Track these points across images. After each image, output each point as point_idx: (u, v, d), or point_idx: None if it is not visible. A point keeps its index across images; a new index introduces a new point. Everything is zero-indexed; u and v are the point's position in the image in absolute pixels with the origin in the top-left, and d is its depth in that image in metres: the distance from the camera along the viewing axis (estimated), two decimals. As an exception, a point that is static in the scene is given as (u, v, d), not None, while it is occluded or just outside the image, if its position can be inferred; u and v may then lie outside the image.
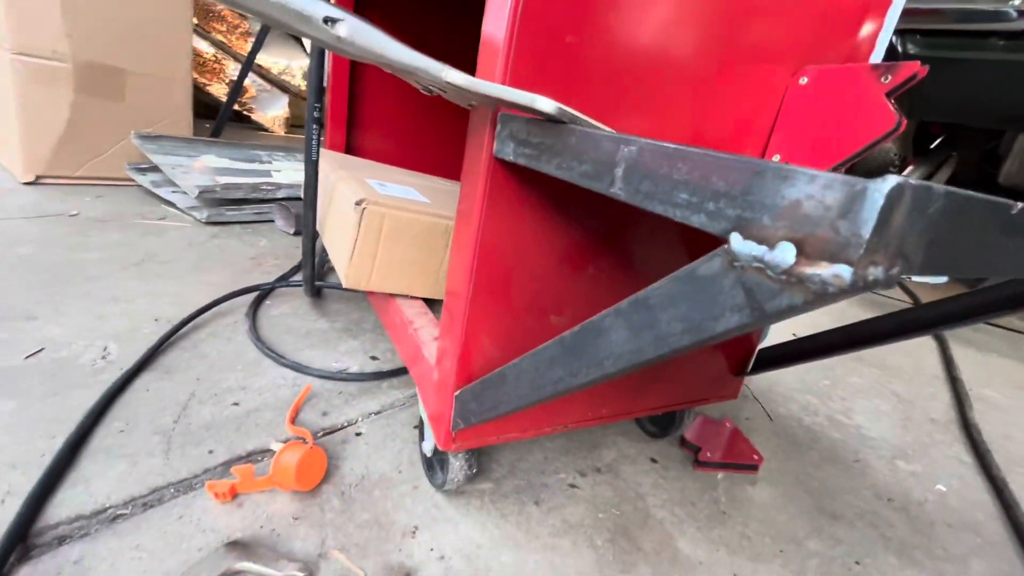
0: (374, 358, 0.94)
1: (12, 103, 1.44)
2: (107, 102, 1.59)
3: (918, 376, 1.40)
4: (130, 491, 0.56)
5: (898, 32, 2.01)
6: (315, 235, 0.98)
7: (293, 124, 4.11)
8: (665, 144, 0.26)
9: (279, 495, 0.59)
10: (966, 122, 2.02)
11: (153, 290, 1.03)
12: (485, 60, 0.44)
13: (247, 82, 3.65)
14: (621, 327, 0.29)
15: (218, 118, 2.01)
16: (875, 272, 0.19)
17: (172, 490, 0.58)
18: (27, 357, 0.75)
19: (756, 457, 0.82)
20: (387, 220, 0.66)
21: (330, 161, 0.95)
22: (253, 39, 3.45)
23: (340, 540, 0.56)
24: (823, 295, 0.19)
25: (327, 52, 1.10)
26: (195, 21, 3.22)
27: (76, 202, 1.45)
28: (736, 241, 0.22)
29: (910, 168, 2.44)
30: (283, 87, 3.83)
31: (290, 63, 3.82)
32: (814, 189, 0.19)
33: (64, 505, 0.53)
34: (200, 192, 1.43)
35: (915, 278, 2.93)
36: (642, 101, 0.51)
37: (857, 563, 0.68)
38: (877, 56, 0.61)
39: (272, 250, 1.38)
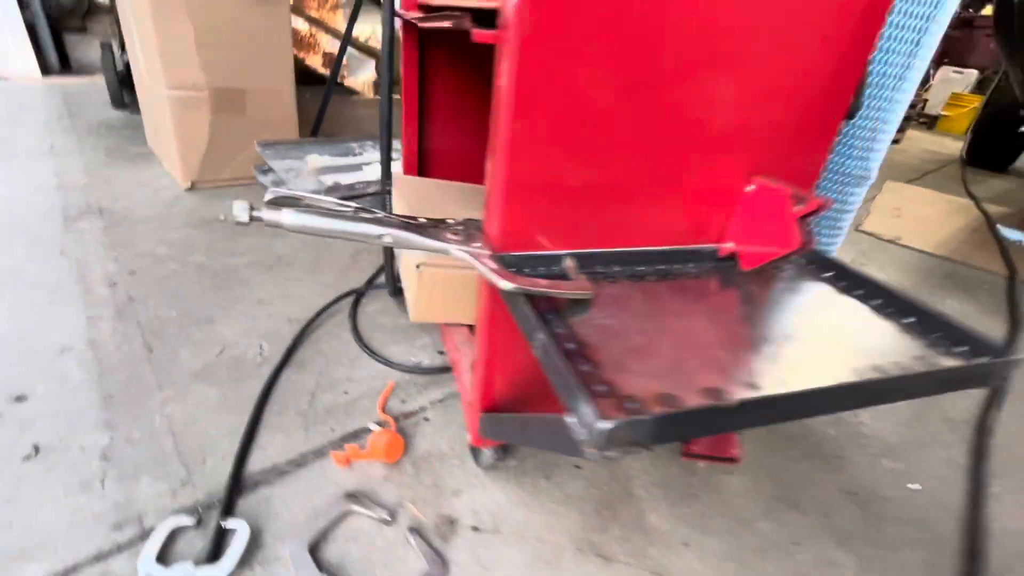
0: (441, 352, 1.24)
1: (171, 128, 1.84)
2: (234, 117, 1.95)
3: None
4: (288, 455, 0.91)
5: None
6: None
7: (381, 83, 4.38)
8: (552, 348, 0.48)
9: (375, 463, 0.91)
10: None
11: (284, 292, 1.39)
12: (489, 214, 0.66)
13: (336, 49, 3.91)
14: (541, 431, 0.52)
15: (317, 117, 2.32)
16: (612, 455, 0.41)
17: (311, 455, 0.92)
18: (217, 355, 1.13)
19: (735, 451, 1.01)
20: (439, 278, 0.91)
21: (399, 191, 1.20)
22: (341, 11, 3.68)
23: (411, 495, 0.87)
24: (599, 460, 0.42)
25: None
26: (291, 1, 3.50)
27: (221, 205, 1.86)
28: (569, 418, 0.44)
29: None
30: (370, 52, 4.06)
31: (375, 29, 4.02)
32: (587, 417, 0.41)
33: (254, 463, 0.89)
34: (309, 197, 1.77)
35: (1012, 235, 2.64)
36: (620, 209, 0.69)
37: (794, 544, 0.88)
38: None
39: (366, 247, 1.70)
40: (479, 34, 0.57)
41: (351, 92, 4.15)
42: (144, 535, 0.75)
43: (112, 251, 1.48)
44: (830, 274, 0.77)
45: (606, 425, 0.39)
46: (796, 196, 0.63)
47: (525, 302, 0.55)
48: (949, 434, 1.18)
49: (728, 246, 0.75)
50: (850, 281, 0.74)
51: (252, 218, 0.53)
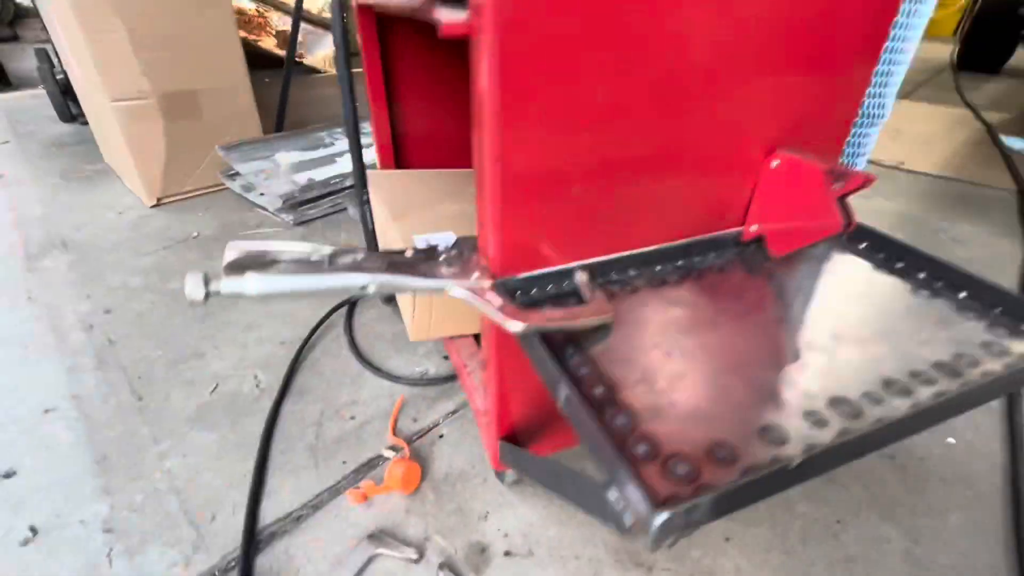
0: (446, 357, 1.17)
1: (122, 142, 1.71)
2: (189, 122, 1.81)
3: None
4: (302, 499, 0.86)
5: None
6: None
7: (342, 56, 4.12)
8: (581, 407, 0.41)
9: (393, 496, 0.87)
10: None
11: (271, 311, 1.31)
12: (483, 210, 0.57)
13: (288, 26, 3.65)
14: (571, 487, 0.46)
15: (279, 106, 2.16)
16: (668, 541, 0.35)
17: (326, 495, 0.87)
18: (211, 393, 1.07)
19: (766, 429, 0.97)
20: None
21: (379, 191, 1.10)
22: (287, -16, 3.40)
23: (436, 526, 0.83)
24: (648, 546, 0.36)
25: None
26: (231, -21, 3.23)
27: (192, 220, 1.75)
28: (610, 493, 0.38)
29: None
30: (326, 25, 3.80)
31: (326, -2, 3.74)
32: (634, 498, 0.35)
33: (267, 512, 0.84)
34: (284, 201, 1.66)
35: (1016, 144, 2.58)
36: (631, 204, 0.60)
37: (838, 522, 0.84)
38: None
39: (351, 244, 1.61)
40: (448, 26, 0.47)
41: (312, 71, 3.91)
42: (162, 612, 0.71)
43: (83, 289, 1.39)
44: (864, 245, 0.70)
45: (660, 518, 0.33)
46: (833, 172, 0.55)
47: (540, 343, 0.47)
48: (980, 376, 1.13)
49: (752, 229, 0.67)
50: (888, 252, 0.67)
51: (209, 294, 0.45)
